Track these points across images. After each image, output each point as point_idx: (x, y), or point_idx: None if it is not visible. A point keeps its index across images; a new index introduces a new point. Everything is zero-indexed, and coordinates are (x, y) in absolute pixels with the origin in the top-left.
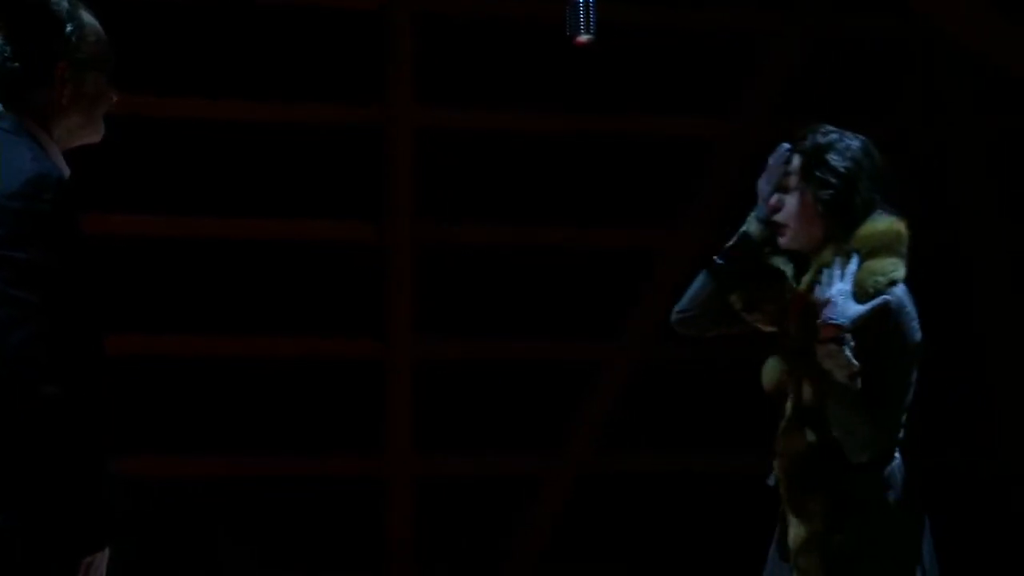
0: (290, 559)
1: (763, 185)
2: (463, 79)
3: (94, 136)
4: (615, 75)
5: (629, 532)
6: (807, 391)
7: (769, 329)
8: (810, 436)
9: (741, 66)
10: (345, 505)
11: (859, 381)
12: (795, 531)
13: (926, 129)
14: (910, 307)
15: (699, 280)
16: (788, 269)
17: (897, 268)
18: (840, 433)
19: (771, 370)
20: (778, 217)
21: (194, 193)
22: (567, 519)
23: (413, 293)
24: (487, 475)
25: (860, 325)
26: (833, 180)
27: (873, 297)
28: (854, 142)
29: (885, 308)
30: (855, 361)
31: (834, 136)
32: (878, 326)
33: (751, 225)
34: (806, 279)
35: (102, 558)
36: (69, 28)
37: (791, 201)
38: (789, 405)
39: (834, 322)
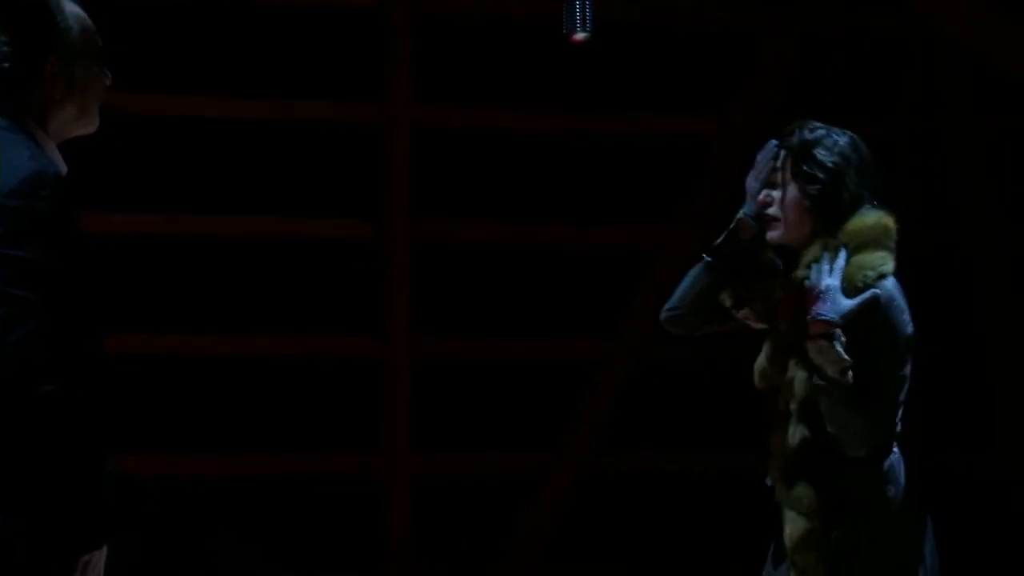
0: (288, 558)
1: (751, 181)
2: (462, 78)
3: (89, 127)
4: (614, 74)
5: (628, 532)
6: (799, 388)
7: (760, 326)
8: (804, 432)
9: (740, 65)
10: (343, 504)
11: (851, 376)
12: (791, 528)
13: (926, 129)
14: (900, 300)
15: (689, 278)
16: (778, 265)
17: (886, 262)
18: (835, 429)
19: (763, 367)
20: (767, 213)
21: (192, 192)
22: (566, 519)
23: (412, 292)
24: (486, 475)
25: (850, 320)
26: (821, 176)
27: (862, 291)
28: (841, 138)
29: (874, 302)
30: (846, 356)
31: (821, 132)
32: (868, 320)
33: (740, 222)
34: (795, 275)
35: (100, 556)
36: (54, 23)
37: (779, 197)
38: (782, 402)
39: (823, 318)
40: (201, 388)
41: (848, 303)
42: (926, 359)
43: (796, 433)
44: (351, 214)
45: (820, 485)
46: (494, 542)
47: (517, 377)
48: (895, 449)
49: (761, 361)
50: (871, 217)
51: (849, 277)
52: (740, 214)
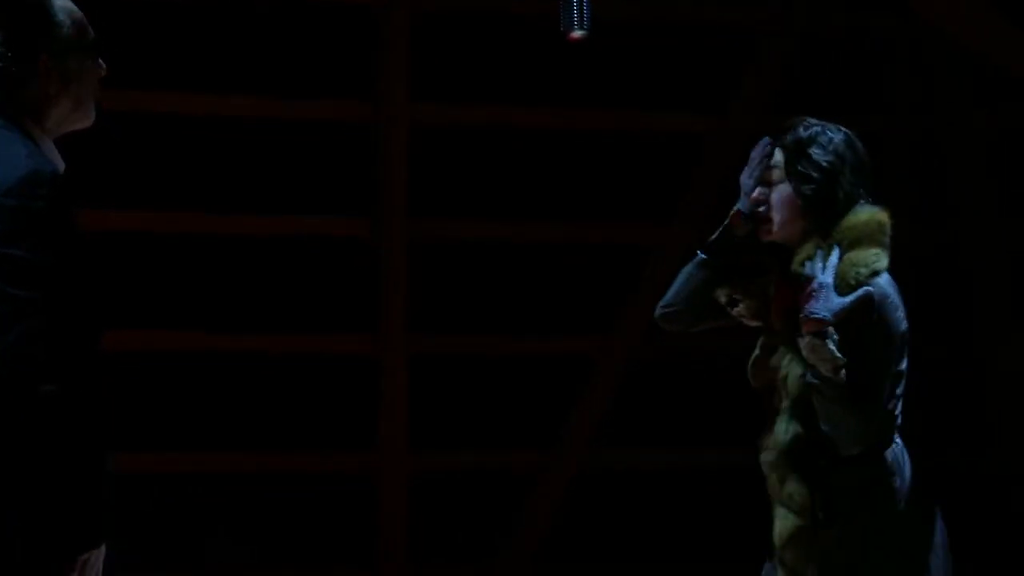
0: (285, 555)
1: (745, 179)
2: (458, 75)
3: (86, 120)
4: (612, 72)
5: (626, 529)
6: (793, 385)
7: (753, 323)
8: (797, 429)
9: (739, 63)
10: (339, 501)
11: (844, 374)
12: (780, 525)
13: (926, 129)
14: (894, 297)
15: (683, 274)
16: (771, 263)
17: (879, 258)
18: (828, 427)
19: (757, 365)
20: (761, 211)
21: (190, 190)
22: (563, 516)
23: (408, 289)
24: (482, 471)
25: (843, 318)
26: (815, 174)
27: (855, 289)
28: (836, 135)
29: (868, 299)
30: (839, 354)
31: (816, 129)
32: (861, 318)
33: (734, 217)
34: (789, 273)
35: (98, 555)
36: (46, 19)
37: (773, 195)
38: (776, 399)
39: (816, 316)
40: (197, 386)
41: (841, 301)
42: (925, 359)
43: (789, 430)
44: (348, 212)
45: (812, 482)
46: (491, 540)
47: (514, 375)
48: (897, 440)
49: (756, 358)
50: (865, 213)
51: (842, 274)
52: (734, 211)
